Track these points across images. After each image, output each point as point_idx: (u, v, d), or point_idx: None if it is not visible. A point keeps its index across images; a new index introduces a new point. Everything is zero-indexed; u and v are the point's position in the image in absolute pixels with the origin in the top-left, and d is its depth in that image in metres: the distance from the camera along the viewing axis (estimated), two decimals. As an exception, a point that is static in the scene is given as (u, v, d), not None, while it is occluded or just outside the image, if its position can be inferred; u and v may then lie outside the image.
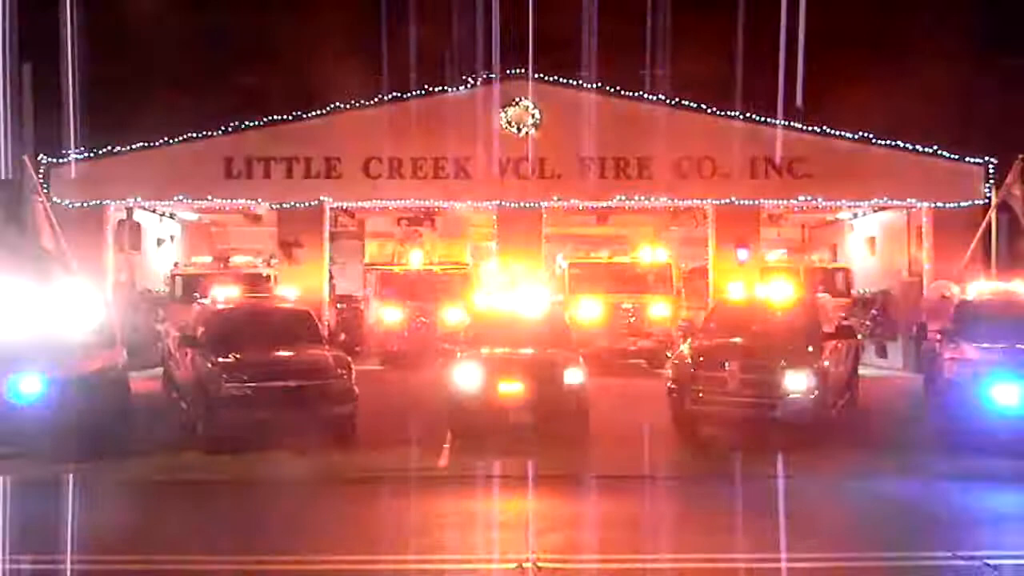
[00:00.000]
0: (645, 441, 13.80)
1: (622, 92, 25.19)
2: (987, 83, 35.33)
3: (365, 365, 23.50)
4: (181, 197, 25.35)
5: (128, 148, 24.84)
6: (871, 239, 28.53)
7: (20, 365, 12.75)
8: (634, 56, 27.94)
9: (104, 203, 24.89)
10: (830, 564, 8.27)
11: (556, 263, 26.47)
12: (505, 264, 25.22)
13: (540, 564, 8.07)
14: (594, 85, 25.18)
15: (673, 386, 14.58)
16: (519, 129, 24.98)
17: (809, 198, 25.23)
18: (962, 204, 24.91)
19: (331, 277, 26.29)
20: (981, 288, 17.21)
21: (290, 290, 21.18)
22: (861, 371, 18.11)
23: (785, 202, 25.76)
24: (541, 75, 25.25)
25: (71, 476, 11.50)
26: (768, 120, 25.09)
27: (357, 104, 25.15)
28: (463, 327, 17.19)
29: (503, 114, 24.95)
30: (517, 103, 25.01)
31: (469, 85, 25.20)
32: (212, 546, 8.77)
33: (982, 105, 33.82)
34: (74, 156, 24.66)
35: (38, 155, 24.12)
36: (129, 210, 24.69)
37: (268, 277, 24.57)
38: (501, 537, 9.04)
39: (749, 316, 15.94)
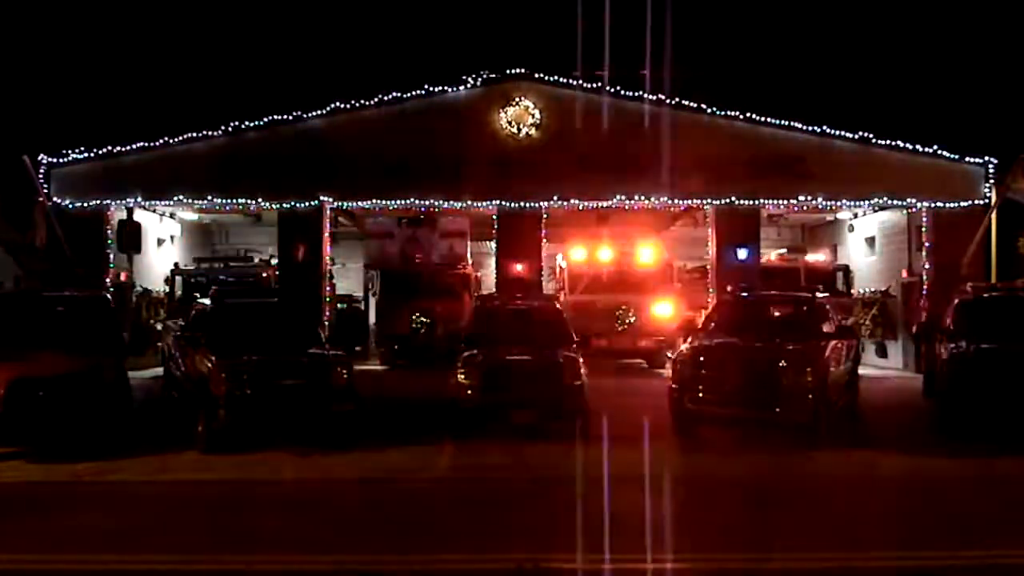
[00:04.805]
0: (645, 441, 13.82)
1: (622, 92, 25.17)
2: (987, 83, 35.40)
3: (365, 365, 23.54)
4: (181, 197, 25.34)
5: (128, 148, 24.81)
6: (871, 239, 28.51)
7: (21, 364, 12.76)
8: (634, 56, 27.90)
9: (104, 203, 24.88)
10: (830, 563, 8.27)
11: (556, 263, 26.49)
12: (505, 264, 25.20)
13: (540, 564, 8.07)
14: (594, 85, 25.16)
15: (673, 386, 14.58)
16: (519, 129, 24.96)
17: (809, 198, 25.21)
18: (962, 204, 24.90)
19: (331, 277, 26.27)
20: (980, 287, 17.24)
21: (290, 290, 21.19)
22: (861, 371, 18.12)
23: (785, 202, 25.75)
24: (541, 75, 25.27)
25: (70, 476, 11.51)
26: (768, 120, 25.10)
27: (357, 104, 25.12)
28: (464, 327, 17.17)
29: (503, 114, 24.94)
30: (517, 103, 24.99)
31: (469, 85, 25.19)
32: (212, 546, 8.77)
33: (982, 105, 33.88)
34: (74, 156, 24.68)
35: (38, 155, 24.13)
36: (129, 210, 24.65)
37: (268, 277, 24.59)
38: (501, 537, 9.03)
39: (749, 316, 15.94)
